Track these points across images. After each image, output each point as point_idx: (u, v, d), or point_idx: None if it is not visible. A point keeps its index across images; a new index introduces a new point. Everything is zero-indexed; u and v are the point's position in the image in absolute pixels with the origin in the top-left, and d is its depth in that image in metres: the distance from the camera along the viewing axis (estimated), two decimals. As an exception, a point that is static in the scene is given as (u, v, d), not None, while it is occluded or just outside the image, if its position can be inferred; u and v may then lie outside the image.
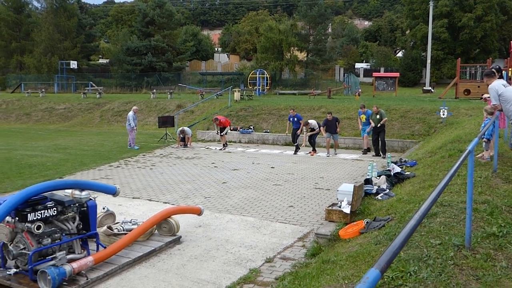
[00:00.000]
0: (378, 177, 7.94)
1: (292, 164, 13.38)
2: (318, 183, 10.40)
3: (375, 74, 36.68)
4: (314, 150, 15.56)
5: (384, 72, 44.88)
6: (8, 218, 4.85)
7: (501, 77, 7.28)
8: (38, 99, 34.41)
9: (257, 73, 36.38)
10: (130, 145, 16.93)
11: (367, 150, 15.43)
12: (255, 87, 34.96)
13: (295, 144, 15.78)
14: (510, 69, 21.95)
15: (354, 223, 5.91)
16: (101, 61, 65.58)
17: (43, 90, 37.01)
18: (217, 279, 5.03)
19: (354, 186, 6.31)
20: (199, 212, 6.93)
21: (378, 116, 14.31)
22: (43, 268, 4.57)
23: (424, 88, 36.85)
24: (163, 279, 5.04)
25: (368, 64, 55.53)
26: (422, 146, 13.57)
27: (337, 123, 15.44)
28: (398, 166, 8.73)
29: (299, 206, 8.19)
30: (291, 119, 16.02)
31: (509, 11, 47.25)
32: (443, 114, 16.27)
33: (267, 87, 37.26)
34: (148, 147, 17.24)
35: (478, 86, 24.21)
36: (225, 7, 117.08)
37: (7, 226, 4.91)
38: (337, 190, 6.88)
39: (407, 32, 53.04)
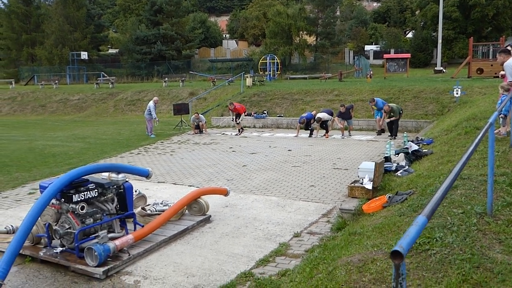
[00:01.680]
0: (396, 155, 8.16)
1: (308, 146, 13.63)
2: (336, 163, 10.65)
3: (386, 55, 36.50)
4: (327, 132, 15.77)
5: (395, 53, 44.60)
6: (53, 200, 5.18)
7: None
8: (52, 90, 34.93)
9: (268, 58, 36.43)
10: (149, 132, 17.28)
11: (381, 131, 15.64)
12: (266, 73, 35.05)
13: (309, 128, 16.00)
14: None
15: (377, 198, 6.17)
16: (110, 51, 65.86)
17: (56, 81, 37.50)
18: (250, 253, 5.34)
19: (375, 163, 6.56)
20: (225, 193, 7.24)
21: (392, 114, 14.60)
22: (90, 245, 4.91)
23: (435, 68, 36.61)
24: (199, 254, 5.37)
25: (377, 46, 55.16)
26: (437, 125, 13.71)
27: (350, 110, 15.82)
28: (415, 144, 8.94)
29: (320, 185, 8.47)
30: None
31: (521, -12, 46.41)
32: (457, 93, 16.34)
33: (278, 72, 37.33)
34: (164, 135, 17.58)
35: (491, 65, 24.10)
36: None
37: (52, 208, 5.25)
38: (358, 168, 7.13)
39: (417, 12, 52.48)
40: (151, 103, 17.44)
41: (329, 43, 46.28)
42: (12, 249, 4.28)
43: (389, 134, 14.85)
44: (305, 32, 46.76)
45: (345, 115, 15.66)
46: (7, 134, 19.64)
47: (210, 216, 6.69)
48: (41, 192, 5.13)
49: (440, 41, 35.92)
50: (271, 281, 4.44)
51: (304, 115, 16.32)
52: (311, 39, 48.39)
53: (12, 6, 52.03)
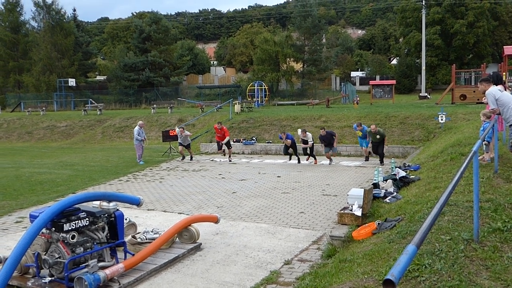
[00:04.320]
0: (384, 181, 8.28)
1: (297, 172, 13.72)
2: (325, 190, 10.74)
3: (372, 82, 37.23)
4: (315, 159, 15.84)
5: (380, 80, 45.51)
6: (43, 229, 5.15)
7: (499, 83, 7.67)
8: (39, 117, 34.73)
9: (256, 85, 36.88)
10: (138, 159, 17.19)
11: (369, 156, 15.81)
12: (254, 99, 35.41)
13: (288, 152, 16.14)
14: (504, 73, 22.51)
15: (366, 224, 6.23)
16: (98, 78, 66.06)
17: (43, 108, 37.33)
18: (241, 281, 5.34)
19: (364, 190, 6.65)
20: (216, 220, 7.25)
21: (378, 136, 14.59)
22: (80, 274, 4.87)
23: (420, 94, 37.42)
24: (190, 283, 5.35)
25: (363, 72, 56.28)
26: (423, 151, 13.94)
27: (333, 137, 15.50)
28: (402, 170, 9.08)
29: (309, 212, 8.52)
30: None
31: (500, 17, 48.16)
32: (442, 119, 16.69)
33: (266, 99, 37.75)
34: (153, 162, 17.54)
35: (474, 91, 24.72)
36: (219, 20, 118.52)
37: (42, 237, 5.22)
38: (348, 195, 7.22)
39: (401, 39, 53.89)
40: (136, 128, 17.47)
41: (316, 69, 47.12)
42: (1, 280, 4.23)
43: (379, 160, 14.87)
44: (292, 59, 47.62)
45: (328, 141, 15.56)
46: (-7, 161, 19.41)
47: (201, 243, 6.68)
48: (31, 221, 5.11)
49: (423, 67, 36.85)
50: (263, 309, 4.44)
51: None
52: (298, 66, 49.22)
53: (0, 34, 52.11)
